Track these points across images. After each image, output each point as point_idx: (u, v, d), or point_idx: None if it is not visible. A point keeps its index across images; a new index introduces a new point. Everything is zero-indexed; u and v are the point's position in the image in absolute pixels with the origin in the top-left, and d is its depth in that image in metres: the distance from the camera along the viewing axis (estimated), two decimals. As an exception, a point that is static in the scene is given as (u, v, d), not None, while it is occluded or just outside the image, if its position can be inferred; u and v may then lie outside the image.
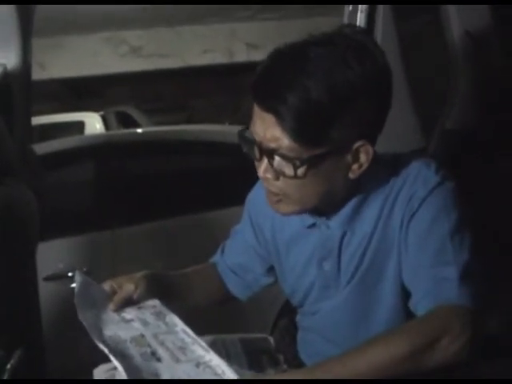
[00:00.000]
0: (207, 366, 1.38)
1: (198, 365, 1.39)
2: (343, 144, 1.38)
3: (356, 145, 1.39)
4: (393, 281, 1.51)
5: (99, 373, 1.57)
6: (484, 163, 2.39)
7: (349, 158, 1.40)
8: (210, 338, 1.75)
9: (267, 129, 1.37)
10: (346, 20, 2.48)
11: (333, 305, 1.60)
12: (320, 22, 10.09)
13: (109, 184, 4.05)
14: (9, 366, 1.84)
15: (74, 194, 4.09)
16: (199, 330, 1.49)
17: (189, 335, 1.48)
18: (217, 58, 10.83)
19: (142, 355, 1.40)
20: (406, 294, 1.50)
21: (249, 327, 1.87)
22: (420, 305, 1.41)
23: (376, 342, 1.35)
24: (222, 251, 1.85)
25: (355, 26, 1.43)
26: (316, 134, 1.35)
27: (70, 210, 4.02)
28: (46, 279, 3.44)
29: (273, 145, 1.37)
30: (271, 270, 1.79)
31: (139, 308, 1.57)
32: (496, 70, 2.46)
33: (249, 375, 1.52)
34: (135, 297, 1.57)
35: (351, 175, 1.43)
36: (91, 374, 1.58)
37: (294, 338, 1.79)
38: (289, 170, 1.38)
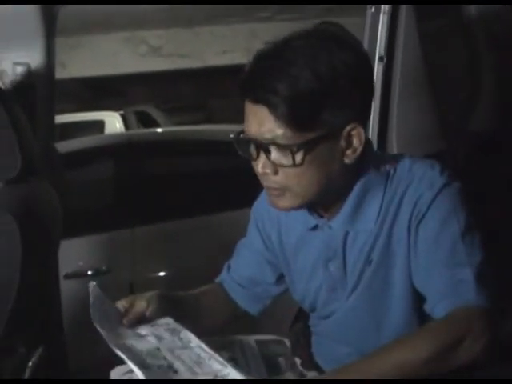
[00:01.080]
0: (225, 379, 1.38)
1: (215, 378, 1.38)
2: (335, 127, 1.43)
3: (347, 128, 1.44)
4: (402, 284, 1.52)
5: (116, 374, 1.58)
6: (505, 165, 2.38)
7: (342, 142, 1.45)
8: (227, 339, 1.77)
9: (261, 121, 1.41)
10: (368, 21, 2.48)
11: (343, 309, 1.61)
12: (341, 22, 10.06)
13: (128, 183, 4.06)
14: (30, 364, 1.86)
15: (93, 193, 4.11)
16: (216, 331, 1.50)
17: (205, 351, 1.48)
18: (236, 58, 10.80)
19: (159, 367, 1.41)
20: (416, 297, 1.52)
21: (266, 330, 1.86)
22: (438, 307, 1.42)
23: (401, 344, 1.37)
24: (228, 268, 1.86)
25: (332, 22, 1.48)
26: (308, 118, 1.40)
27: (90, 208, 4.03)
28: (67, 277, 3.45)
29: (268, 136, 1.41)
30: (281, 277, 1.80)
31: (153, 325, 1.58)
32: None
33: None
34: (147, 314, 1.59)
35: (347, 160, 1.46)
36: (110, 367, 1.58)
37: (309, 341, 1.80)
38: (287, 159, 1.42)
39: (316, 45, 1.42)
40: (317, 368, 1.72)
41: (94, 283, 1.61)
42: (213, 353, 1.46)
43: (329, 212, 1.57)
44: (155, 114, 10.76)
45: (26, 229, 1.77)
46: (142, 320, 1.58)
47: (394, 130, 2.50)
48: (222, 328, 1.82)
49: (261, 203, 1.78)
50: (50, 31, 2.37)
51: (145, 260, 3.75)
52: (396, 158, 1.57)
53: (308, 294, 1.69)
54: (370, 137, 2.48)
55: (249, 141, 1.47)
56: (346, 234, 1.56)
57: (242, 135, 1.49)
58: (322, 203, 1.55)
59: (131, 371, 1.43)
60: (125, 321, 1.56)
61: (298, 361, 1.74)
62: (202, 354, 1.47)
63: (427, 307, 1.47)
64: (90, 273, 3.60)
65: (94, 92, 12.90)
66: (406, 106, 2.52)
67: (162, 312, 1.61)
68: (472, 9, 2.44)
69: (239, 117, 1.50)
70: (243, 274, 1.82)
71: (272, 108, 1.38)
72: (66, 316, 2.34)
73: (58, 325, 2.21)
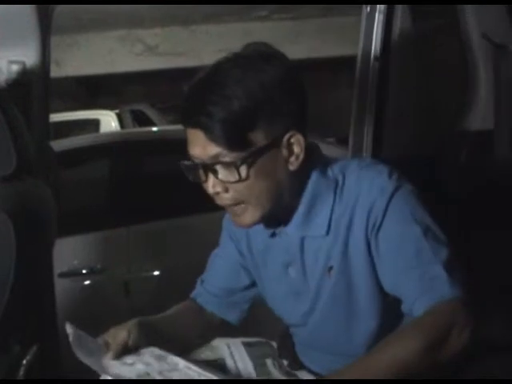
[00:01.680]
0: None
1: None
2: (273, 137, 1.47)
3: (286, 137, 1.49)
4: (367, 290, 1.55)
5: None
6: (501, 165, 2.38)
7: (284, 151, 1.50)
8: (214, 342, 1.79)
9: (201, 144, 1.46)
10: (363, 20, 2.48)
11: (314, 319, 1.63)
12: (336, 22, 10.08)
13: (124, 182, 4.06)
14: (24, 362, 1.85)
15: (89, 192, 4.10)
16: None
17: (193, 370, 1.50)
18: (232, 57, 10.80)
19: None
20: (383, 301, 1.55)
21: (255, 333, 1.87)
22: (416, 305, 1.43)
23: (391, 343, 1.40)
24: (202, 282, 1.86)
25: (258, 42, 1.58)
26: (243, 135, 1.45)
27: (85, 207, 4.03)
28: (61, 275, 3.45)
29: (211, 158, 1.47)
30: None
31: (138, 354, 1.59)
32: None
33: None
34: (130, 343, 1.59)
35: (291, 167, 1.51)
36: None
37: (294, 343, 1.81)
38: (233, 175, 1.47)
39: (244, 64, 1.48)
40: (305, 368, 1.74)
41: (69, 324, 1.60)
42: (201, 371, 1.49)
43: (285, 219, 1.60)
44: (151, 112, 10.73)
45: (20, 227, 1.77)
46: (126, 350, 1.59)
47: (389, 129, 2.50)
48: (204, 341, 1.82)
49: None
50: (46, 29, 2.37)
51: (140, 259, 3.75)
52: (343, 164, 1.60)
53: (276, 300, 1.73)
54: (364, 135, 2.49)
55: (196, 165, 1.51)
56: (303, 239, 1.59)
57: (187, 163, 1.54)
58: (275, 213, 1.57)
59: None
60: (110, 354, 1.56)
61: (285, 362, 1.76)
62: (191, 373, 1.50)
63: (404, 307, 1.49)
64: (84, 271, 3.60)
65: (89, 91, 12.89)
66: (402, 105, 2.53)
67: (144, 338, 1.62)
68: (466, 9, 2.44)
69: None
70: (218, 285, 1.83)
71: (207, 131, 1.44)
72: (61, 314, 2.34)
73: (53, 323, 2.21)
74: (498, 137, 2.38)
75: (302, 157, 1.51)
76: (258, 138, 1.46)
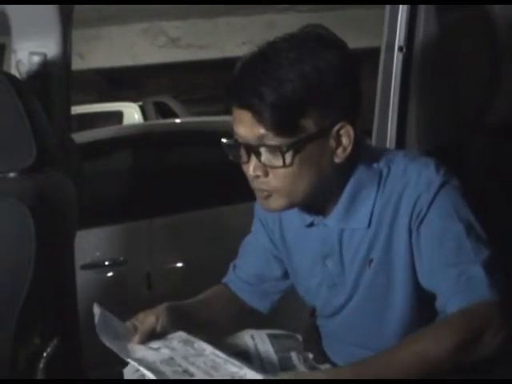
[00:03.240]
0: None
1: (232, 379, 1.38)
2: (323, 127, 1.43)
3: (336, 127, 1.45)
4: (405, 284, 1.52)
5: (128, 372, 1.57)
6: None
7: (331, 142, 1.46)
8: (239, 333, 1.77)
9: (248, 125, 1.42)
10: (387, 11, 2.45)
11: (347, 309, 1.62)
12: (358, 13, 10.03)
13: (147, 174, 4.07)
14: (45, 355, 1.85)
15: (112, 184, 4.12)
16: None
17: (219, 356, 1.48)
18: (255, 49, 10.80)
19: (174, 372, 1.41)
20: (419, 296, 1.52)
21: (281, 326, 1.86)
22: (450, 303, 1.41)
23: (423, 335, 1.37)
24: (234, 268, 1.85)
25: (317, 24, 1.52)
26: (293, 120, 1.40)
27: (108, 199, 4.05)
28: (84, 267, 3.46)
29: (257, 140, 1.43)
30: (288, 272, 1.80)
31: (165, 339, 1.58)
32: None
33: None
34: (158, 328, 1.59)
35: (336, 159, 1.48)
36: (125, 364, 1.58)
37: (321, 336, 1.80)
38: (277, 160, 1.43)
39: (300, 46, 1.43)
40: (329, 362, 1.72)
41: (97, 304, 1.59)
42: (228, 357, 1.46)
43: (324, 210, 1.58)
44: (174, 105, 10.76)
45: (40, 219, 1.77)
46: (154, 335, 1.58)
47: (412, 120, 2.48)
48: (234, 328, 1.81)
49: None
50: (67, 21, 2.36)
51: (162, 251, 3.76)
52: (390, 156, 1.57)
53: (310, 290, 1.71)
54: (388, 127, 2.46)
55: (239, 144, 1.48)
56: (342, 231, 1.57)
57: (231, 141, 1.51)
58: (314, 203, 1.56)
59: None
60: (136, 338, 1.56)
61: (310, 355, 1.74)
62: (217, 360, 1.46)
63: (438, 304, 1.46)
64: (107, 263, 3.62)
65: (112, 83, 12.95)
66: (426, 97, 2.50)
67: (172, 323, 1.61)
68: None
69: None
70: (250, 272, 1.82)
71: (257, 113, 1.40)
72: (83, 306, 2.34)
73: (74, 315, 2.21)
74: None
75: (349, 150, 1.47)
76: (308, 125, 1.41)
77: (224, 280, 1.86)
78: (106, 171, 4.15)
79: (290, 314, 2.61)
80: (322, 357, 1.74)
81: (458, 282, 1.40)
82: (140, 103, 10.17)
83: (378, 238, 1.52)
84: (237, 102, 1.44)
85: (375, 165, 1.54)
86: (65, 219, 2.03)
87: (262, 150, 1.43)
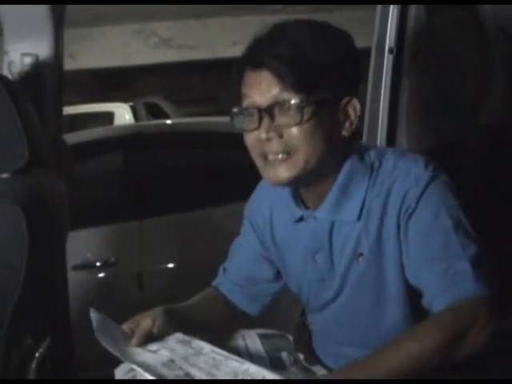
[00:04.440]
0: (246, 374, 1.38)
1: (236, 376, 1.38)
2: (334, 94, 1.49)
3: (345, 99, 1.51)
4: (396, 279, 1.52)
5: (120, 372, 1.57)
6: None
7: (340, 114, 1.51)
8: (231, 333, 1.77)
9: (264, 86, 1.46)
10: (378, 13, 2.46)
11: (336, 304, 1.61)
12: (351, 16, 10.04)
13: (137, 174, 4.06)
14: (37, 355, 1.86)
15: (103, 185, 4.11)
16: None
17: (219, 354, 1.48)
18: (246, 50, 10.80)
19: (177, 377, 1.40)
20: (411, 292, 1.51)
21: (271, 326, 1.86)
22: (437, 300, 1.41)
23: (408, 336, 1.37)
24: (224, 270, 1.85)
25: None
26: (313, 79, 1.45)
27: (99, 199, 4.04)
28: (75, 268, 3.46)
29: (273, 98, 1.46)
30: (279, 274, 1.80)
31: (162, 341, 1.58)
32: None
33: None
34: (155, 331, 1.59)
35: (344, 132, 1.52)
36: (116, 364, 1.58)
37: (311, 336, 1.79)
38: (294, 118, 1.45)
39: (313, 26, 1.52)
40: (320, 363, 1.71)
41: (93, 308, 1.59)
42: (228, 354, 1.47)
43: (313, 202, 1.58)
44: (165, 105, 10.76)
45: (33, 220, 1.77)
46: (151, 338, 1.58)
47: (403, 121, 2.49)
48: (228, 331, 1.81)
49: (253, 202, 1.81)
50: (59, 22, 2.36)
51: (153, 251, 3.76)
52: (380, 152, 1.59)
53: (301, 287, 1.70)
54: (379, 128, 2.47)
55: (249, 111, 1.49)
56: (332, 224, 1.57)
57: (238, 112, 1.53)
58: (311, 182, 1.56)
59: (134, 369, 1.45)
60: (133, 342, 1.56)
61: (300, 356, 1.74)
62: (218, 357, 1.47)
63: (425, 301, 1.46)
64: (98, 264, 3.61)
65: (103, 83, 12.92)
66: (416, 98, 2.51)
67: (168, 326, 1.61)
68: (483, 5, 2.42)
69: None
70: (241, 274, 1.82)
71: (275, 70, 1.44)
72: (74, 307, 2.35)
73: (66, 316, 2.21)
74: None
75: (355, 124, 1.53)
76: (324, 88, 1.46)
77: (214, 283, 1.86)
78: (96, 172, 4.14)
79: (280, 314, 2.62)
80: (313, 357, 1.73)
81: (445, 276, 1.40)
82: (131, 104, 10.15)
83: (367, 233, 1.52)
84: (253, 64, 1.48)
85: (367, 158, 1.56)
86: (57, 220, 2.03)
87: (276, 110, 1.46)
